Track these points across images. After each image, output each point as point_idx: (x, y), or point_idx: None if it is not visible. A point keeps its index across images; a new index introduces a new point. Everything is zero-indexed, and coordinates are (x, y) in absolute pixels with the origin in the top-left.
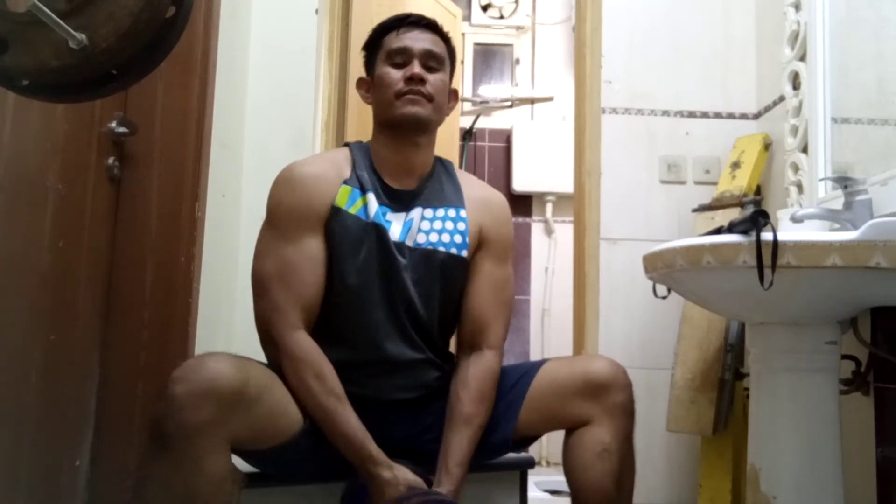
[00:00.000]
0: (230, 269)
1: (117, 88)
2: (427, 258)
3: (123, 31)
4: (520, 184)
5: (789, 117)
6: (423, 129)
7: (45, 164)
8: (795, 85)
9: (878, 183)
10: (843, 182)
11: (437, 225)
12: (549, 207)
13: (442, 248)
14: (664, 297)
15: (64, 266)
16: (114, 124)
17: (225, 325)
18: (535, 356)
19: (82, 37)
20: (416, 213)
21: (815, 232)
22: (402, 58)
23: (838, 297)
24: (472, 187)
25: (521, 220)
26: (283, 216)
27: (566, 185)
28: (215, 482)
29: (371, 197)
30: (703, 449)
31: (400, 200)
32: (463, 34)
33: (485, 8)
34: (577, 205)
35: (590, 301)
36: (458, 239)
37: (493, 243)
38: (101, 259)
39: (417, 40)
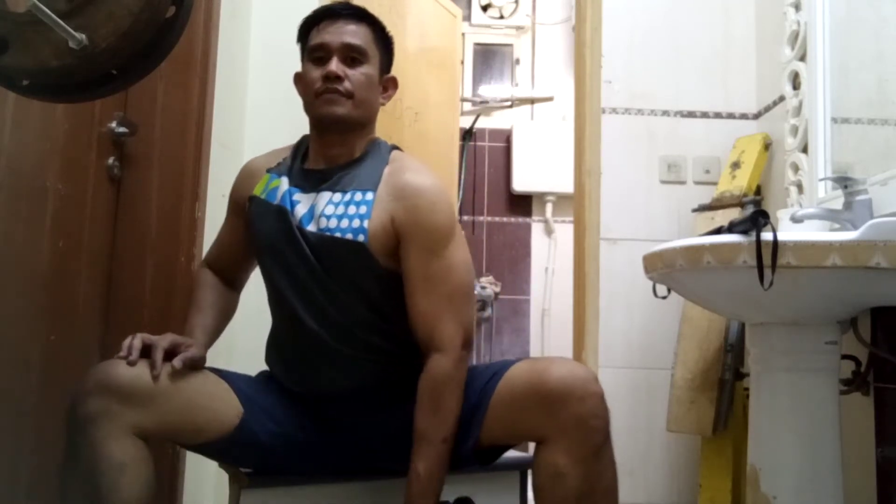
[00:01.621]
0: None
1: (117, 88)
2: (328, 244)
3: (123, 31)
4: (520, 184)
5: (789, 117)
6: (344, 126)
7: (45, 164)
8: (795, 85)
9: (878, 183)
10: (843, 182)
11: (341, 210)
12: (549, 207)
13: (339, 234)
14: (664, 297)
15: (64, 266)
16: (114, 124)
17: None
18: (534, 356)
19: (82, 37)
20: (325, 196)
21: (815, 232)
22: (321, 53)
23: (838, 297)
24: (398, 172)
25: (521, 220)
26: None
27: (566, 185)
28: (114, 466)
29: (284, 180)
30: (703, 449)
31: (309, 180)
32: (463, 34)
33: (485, 8)
34: (577, 205)
35: (590, 301)
36: (356, 223)
37: (412, 234)
38: (101, 259)
39: (337, 34)
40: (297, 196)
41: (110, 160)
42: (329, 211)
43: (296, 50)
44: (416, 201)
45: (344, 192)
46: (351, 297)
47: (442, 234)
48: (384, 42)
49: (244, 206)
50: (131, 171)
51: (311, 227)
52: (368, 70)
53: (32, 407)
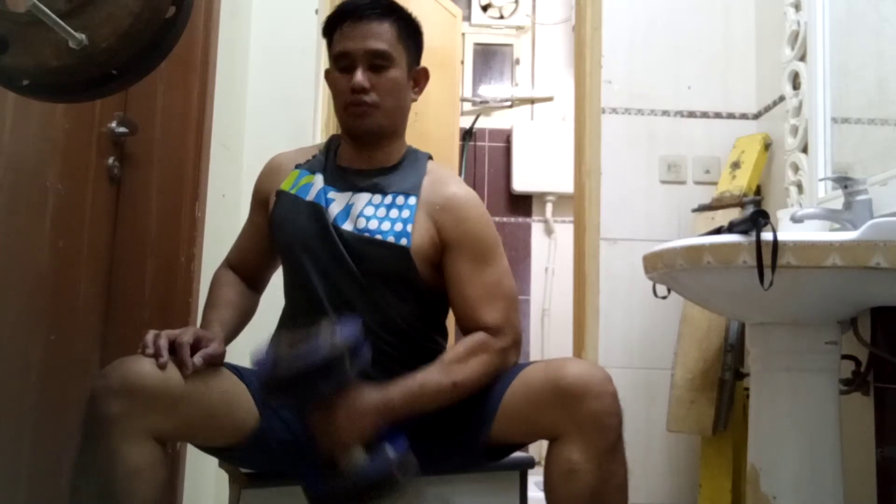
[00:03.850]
0: None
1: (117, 88)
2: (368, 245)
3: (123, 31)
4: (520, 184)
5: (789, 117)
6: (374, 137)
7: (45, 164)
8: (795, 85)
9: (878, 183)
10: (843, 182)
11: (382, 212)
12: (549, 207)
13: (379, 237)
14: (664, 297)
15: (64, 266)
16: (114, 124)
17: None
18: (534, 356)
19: (82, 37)
20: (364, 197)
21: (815, 232)
22: (346, 62)
23: (838, 297)
24: (440, 184)
25: (521, 220)
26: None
27: (566, 185)
28: (130, 471)
29: (318, 177)
30: (703, 449)
31: (346, 179)
32: (463, 34)
33: (485, 8)
34: (577, 205)
35: (590, 301)
36: (398, 227)
37: (462, 244)
38: (101, 259)
39: (360, 40)
40: (332, 194)
41: (110, 160)
42: (369, 212)
43: (295, 50)
44: (465, 213)
45: (384, 194)
46: (385, 301)
47: (491, 244)
48: (411, 36)
49: (268, 201)
50: (131, 171)
51: (347, 227)
52: (395, 73)
53: (32, 407)
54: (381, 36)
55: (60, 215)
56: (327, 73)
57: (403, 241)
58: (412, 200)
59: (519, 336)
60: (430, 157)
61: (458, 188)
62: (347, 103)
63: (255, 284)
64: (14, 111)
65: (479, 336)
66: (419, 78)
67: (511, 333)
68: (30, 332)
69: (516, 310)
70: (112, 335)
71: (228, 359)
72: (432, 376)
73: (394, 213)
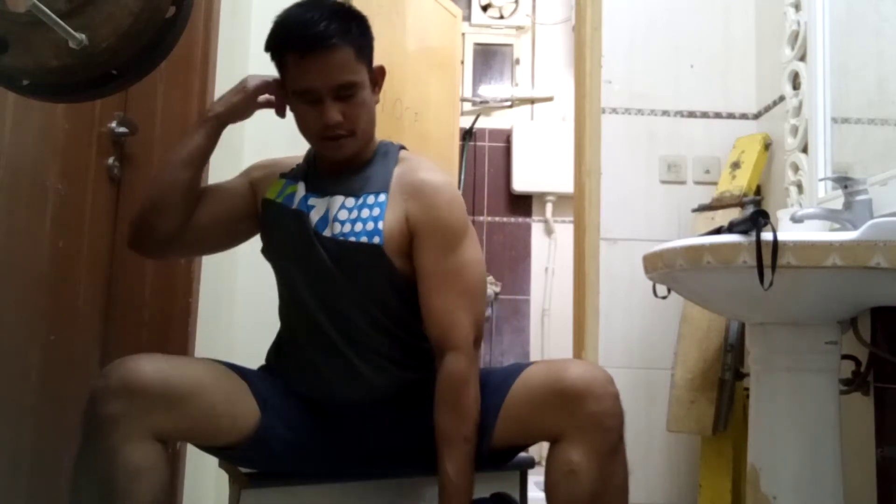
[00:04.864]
0: (230, 269)
1: (117, 88)
2: (344, 248)
3: (123, 31)
4: (520, 184)
5: (789, 117)
6: (351, 158)
7: (45, 164)
8: (795, 85)
9: (878, 183)
10: (843, 182)
11: (354, 214)
12: (549, 207)
13: (353, 238)
14: (664, 297)
15: (64, 266)
16: (114, 124)
17: (225, 325)
18: (534, 356)
19: (82, 37)
20: (338, 200)
21: (815, 232)
22: (312, 97)
23: (838, 297)
24: (410, 171)
25: (521, 220)
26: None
27: (566, 185)
28: (130, 471)
29: (300, 185)
30: (703, 449)
31: (322, 184)
32: (463, 34)
33: (485, 8)
34: (577, 205)
35: (590, 301)
36: (370, 226)
37: (428, 231)
38: (101, 259)
39: (324, 75)
40: (312, 201)
41: (110, 160)
42: (343, 216)
43: None
44: (433, 199)
45: (357, 196)
46: (368, 302)
47: (457, 231)
48: (364, 40)
49: (252, 190)
50: (131, 171)
51: (326, 233)
52: (362, 95)
53: (32, 407)
54: (344, 66)
55: (60, 215)
56: (290, 102)
57: (376, 240)
58: (382, 197)
59: (481, 331)
60: (403, 147)
61: (427, 174)
62: (322, 137)
63: (183, 230)
64: (14, 111)
65: (445, 376)
66: (377, 78)
67: (471, 336)
68: (29, 332)
69: (478, 302)
70: (112, 335)
71: (214, 354)
72: (451, 457)
73: (365, 212)
